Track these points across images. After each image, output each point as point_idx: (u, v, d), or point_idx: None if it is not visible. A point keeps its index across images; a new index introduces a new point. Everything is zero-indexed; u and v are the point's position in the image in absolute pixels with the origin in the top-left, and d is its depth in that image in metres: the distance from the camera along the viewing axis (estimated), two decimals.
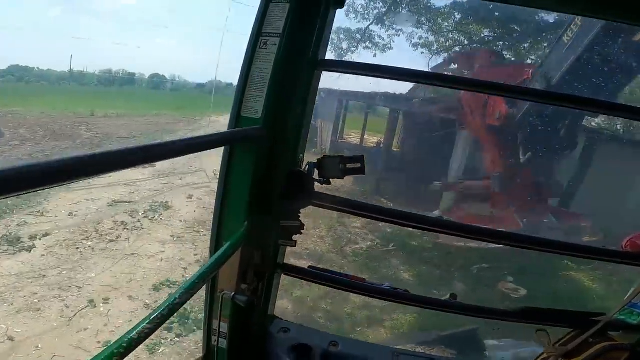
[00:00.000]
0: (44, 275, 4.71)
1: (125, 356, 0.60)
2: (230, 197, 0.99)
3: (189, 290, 0.74)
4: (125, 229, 6.28)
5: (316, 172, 1.00)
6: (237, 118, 0.91)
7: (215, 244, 1.01)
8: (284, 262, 1.17)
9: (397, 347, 1.52)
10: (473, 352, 4.33)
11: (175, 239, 6.28)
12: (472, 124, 8.60)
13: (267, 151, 0.93)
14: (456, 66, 9.00)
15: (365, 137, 14.74)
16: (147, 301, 4.44)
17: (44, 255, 5.11)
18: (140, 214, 6.88)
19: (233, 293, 0.99)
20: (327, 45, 1.01)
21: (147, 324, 0.65)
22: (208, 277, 0.84)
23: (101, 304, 4.28)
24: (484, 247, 6.32)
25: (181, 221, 6.96)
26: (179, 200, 7.94)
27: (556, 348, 1.15)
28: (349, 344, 1.21)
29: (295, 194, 1.01)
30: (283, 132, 0.96)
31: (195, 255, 5.84)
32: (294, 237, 1.05)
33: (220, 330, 1.09)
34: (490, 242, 1.26)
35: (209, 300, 1.07)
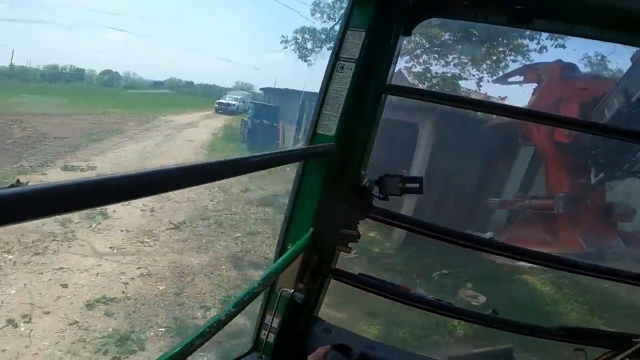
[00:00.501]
0: None
1: (214, 334, 0.80)
2: (300, 206, 1.16)
3: (263, 283, 0.95)
4: (54, 240, 5.94)
5: (376, 188, 1.18)
6: (313, 134, 1.09)
7: (282, 247, 1.21)
8: (337, 267, 1.36)
9: (432, 358, 1.63)
10: None
11: (115, 250, 5.98)
12: (537, 139, 8.18)
13: (337, 166, 1.12)
14: (522, 78, 8.05)
15: None
16: (77, 319, 4.28)
17: None
18: (74, 223, 6.54)
19: (292, 290, 1.18)
20: (394, 71, 1.23)
21: (232, 307, 0.85)
22: (276, 275, 1.03)
23: (22, 324, 4.08)
24: (445, 251, 6.20)
25: (123, 230, 6.65)
26: (123, 206, 7.41)
27: None
28: (385, 350, 1.31)
29: (357, 206, 1.19)
30: (351, 150, 1.12)
31: (139, 268, 5.57)
32: (350, 245, 1.24)
33: (272, 325, 1.25)
34: (547, 266, 1.40)
35: (267, 295, 1.25)
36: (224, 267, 6.13)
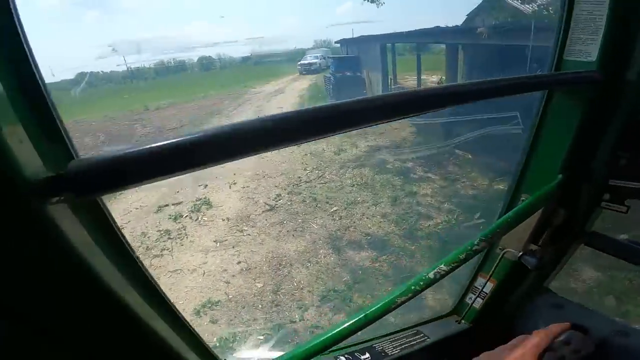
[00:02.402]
0: None
1: (419, 293, 0.75)
2: (542, 147, 0.96)
3: (486, 240, 0.81)
4: (169, 238, 6.34)
5: None
6: (558, 62, 0.89)
7: (512, 197, 1.03)
8: (592, 231, 1.05)
9: None
10: None
11: (217, 244, 6.04)
12: None
13: (602, 98, 0.87)
14: None
15: (423, 77, 15.55)
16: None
17: None
18: (184, 217, 6.97)
19: (521, 252, 0.98)
20: None
21: (444, 265, 0.78)
22: (502, 232, 0.86)
23: None
24: None
25: (224, 220, 6.73)
26: (222, 192, 7.77)
27: None
28: None
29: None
30: (625, 76, 0.85)
31: (239, 263, 5.54)
32: (627, 202, 0.91)
33: (483, 289, 1.12)
34: None
35: (484, 255, 1.12)
36: (321, 251, 5.86)
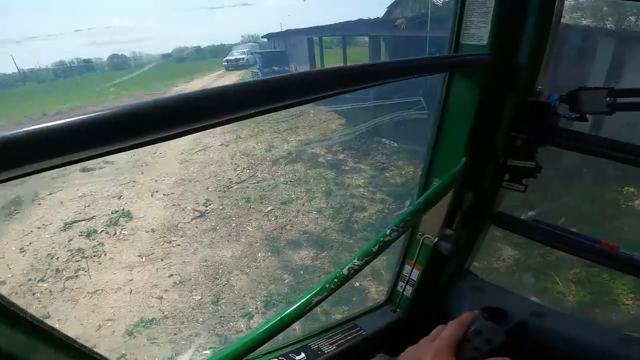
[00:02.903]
0: None
1: (334, 291, 0.74)
2: (447, 131, 0.96)
3: (398, 229, 0.80)
4: (83, 257, 5.66)
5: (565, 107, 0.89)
6: (455, 46, 0.89)
7: (425, 183, 1.02)
8: (499, 211, 1.08)
9: (627, 333, 1.07)
10: None
11: (143, 259, 5.53)
12: None
13: (495, 80, 0.89)
14: None
15: None
16: (123, 351, 4.04)
17: None
18: (99, 232, 6.26)
19: (437, 238, 0.98)
20: None
21: (357, 260, 0.76)
22: (417, 218, 0.89)
23: None
24: None
25: (148, 232, 6.18)
26: (142, 201, 7.15)
27: None
28: (558, 317, 0.99)
29: (532, 127, 0.89)
30: (515, 59, 0.88)
31: (171, 276, 5.14)
32: (524, 181, 0.93)
33: (411, 277, 1.11)
34: None
35: (407, 242, 1.11)
36: (260, 255, 5.69)
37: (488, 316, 0.95)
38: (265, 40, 25.71)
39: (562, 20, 0.92)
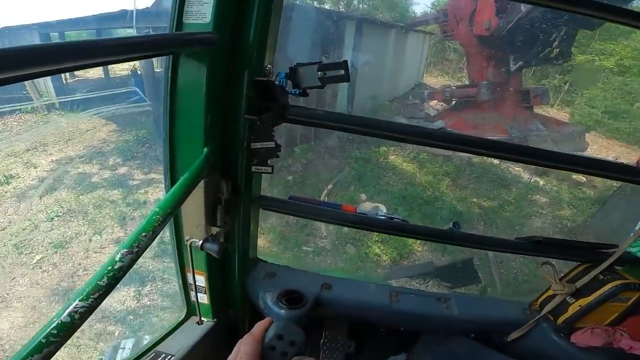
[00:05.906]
0: None
1: (60, 346, 0.50)
2: (181, 120, 0.86)
3: (133, 251, 0.60)
4: None
5: (290, 84, 0.93)
6: (178, 25, 0.81)
7: (171, 181, 0.89)
8: (261, 194, 1.07)
9: (394, 286, 1.50)
10: (469, 282, 4.61)
11: None
12: (458, 34, 9.26)
13: (224, 61, 0.85)
14: None
15: None
16: None
17: None
18: None
19: (201, 241, 0.90)
20: None
21: (80, 301, 0.53)
22: (165, 221, 0.70)
23: None
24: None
25: None
26: None
27: (564, 285, 1.10)
28: (342, 285, 1.13)
29: (265, 108, 0.89)
30: (242, 38, 0.85)
31: None
32: (270, 162, 0.94)
33: (198, 284, 1.00)
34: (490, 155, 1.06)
35: (177, 251, 0.97)
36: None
37: (287, 299, 0.98)
38: None
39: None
